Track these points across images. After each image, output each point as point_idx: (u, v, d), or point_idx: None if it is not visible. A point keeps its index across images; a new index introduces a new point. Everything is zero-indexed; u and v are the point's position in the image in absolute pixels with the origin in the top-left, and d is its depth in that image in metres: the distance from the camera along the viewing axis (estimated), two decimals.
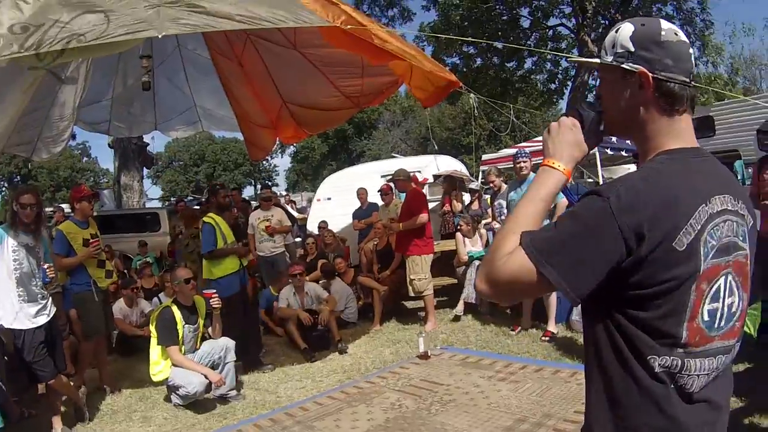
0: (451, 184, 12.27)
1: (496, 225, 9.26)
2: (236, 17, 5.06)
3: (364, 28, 6.01)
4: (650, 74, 1.64)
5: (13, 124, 8.34)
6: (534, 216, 1.67)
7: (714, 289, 1.61)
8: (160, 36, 4.78)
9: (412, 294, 8.99)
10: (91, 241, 6.88)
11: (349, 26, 5.69)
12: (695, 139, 1.72)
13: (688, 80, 1.65)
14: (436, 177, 13.15)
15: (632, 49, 1.67)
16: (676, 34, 1.67)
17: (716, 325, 1.63)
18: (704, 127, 6.74)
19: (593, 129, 1.77)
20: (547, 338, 7.63)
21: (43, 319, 5.50)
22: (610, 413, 1.68)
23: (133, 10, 4.84)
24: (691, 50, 1.69)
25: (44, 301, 5.61)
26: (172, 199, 59.42)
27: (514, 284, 1.59)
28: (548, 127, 1.81)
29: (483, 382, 5.76)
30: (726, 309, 1.65)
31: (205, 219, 7.64)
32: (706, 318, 1.61)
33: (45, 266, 6.00)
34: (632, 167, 13.81)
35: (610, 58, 1.72)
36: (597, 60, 1.77)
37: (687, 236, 1.53)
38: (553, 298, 7.91)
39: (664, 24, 1.69)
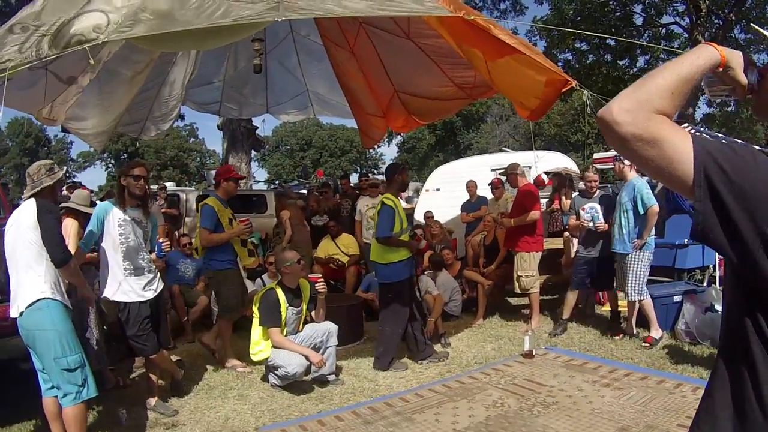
0: (561, 181, 12.06)
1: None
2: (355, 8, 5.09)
3: (485, 19, 5.99)
4: None
5: (127, 105, 8.71)
6: (682, 78, 1.53)
7: None
8: (279, 20, 4.84)
9: (517, 291, 8.90)
10: (242, 219, 7.04)
11: (472, 17, 5.66)
12: None
13: None
14: (546, 173, 12.93)
15: None
16: None
17: None
18: None
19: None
20: (647, 344, 7.47)
21: (150, 294, 5.59)
22: (735, 415, 1.57)
23: (252, 5, 4.92)
24: None
25: (151, 275, 5.68)
26: (276, 182, 60.66)
27: (655, 145, 1.42)
28: None
29: (587, 387, 5.66)
30: None
31: (385, 200, 7.18)
32: None
33: (160, 240, 6.17)
34: None
35: None
36: None
37: None
38: (648, 302, 7.75)
39: None
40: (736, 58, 1.66)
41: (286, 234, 10.75)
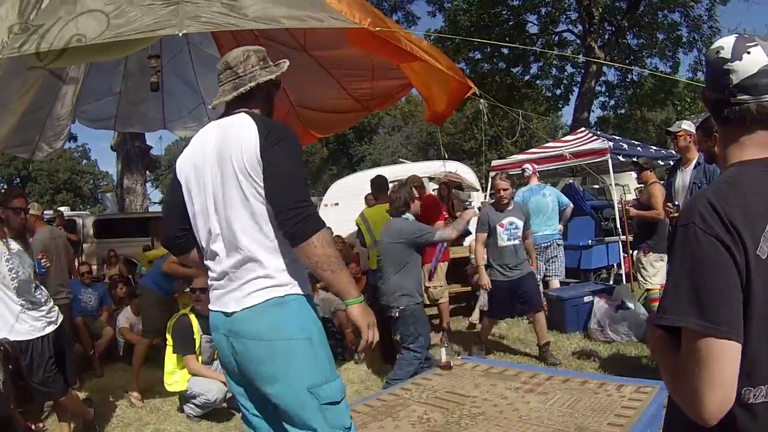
0: (448, 189, 11.97)
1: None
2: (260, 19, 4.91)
3: (391, 30, 5.85)
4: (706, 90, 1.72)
5: (15, 124, 8.16)
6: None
7: None
8: (180, 34, 4.60)
9: (427, 302, 8.82)
10: None
11: (377, 28, 5.52)
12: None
13: (722, 95, 1.63)
14: (430, 179, 12.93)
15: None
16: (717, 52, 1.66)
17: None
18: None
19: None
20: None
21: (50, 328, 5.15)
22: None
23: (150, 7, 4.65)
24: (727, 66, 1.63)
25: (48, 306, 5.24)
26: None
27: (704, 376, 1.43)
28: None
29: (510, 394, 5.60)
30: None
31: None
32: None
33: (39, 257, 5.80)
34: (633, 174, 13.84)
35: None
36: None
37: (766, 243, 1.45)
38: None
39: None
40: None
41: None
